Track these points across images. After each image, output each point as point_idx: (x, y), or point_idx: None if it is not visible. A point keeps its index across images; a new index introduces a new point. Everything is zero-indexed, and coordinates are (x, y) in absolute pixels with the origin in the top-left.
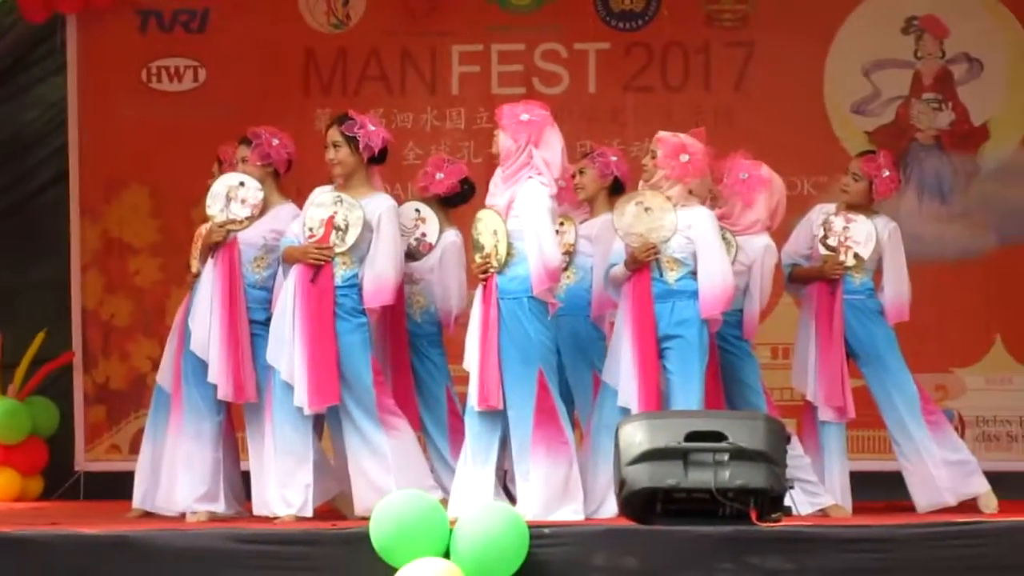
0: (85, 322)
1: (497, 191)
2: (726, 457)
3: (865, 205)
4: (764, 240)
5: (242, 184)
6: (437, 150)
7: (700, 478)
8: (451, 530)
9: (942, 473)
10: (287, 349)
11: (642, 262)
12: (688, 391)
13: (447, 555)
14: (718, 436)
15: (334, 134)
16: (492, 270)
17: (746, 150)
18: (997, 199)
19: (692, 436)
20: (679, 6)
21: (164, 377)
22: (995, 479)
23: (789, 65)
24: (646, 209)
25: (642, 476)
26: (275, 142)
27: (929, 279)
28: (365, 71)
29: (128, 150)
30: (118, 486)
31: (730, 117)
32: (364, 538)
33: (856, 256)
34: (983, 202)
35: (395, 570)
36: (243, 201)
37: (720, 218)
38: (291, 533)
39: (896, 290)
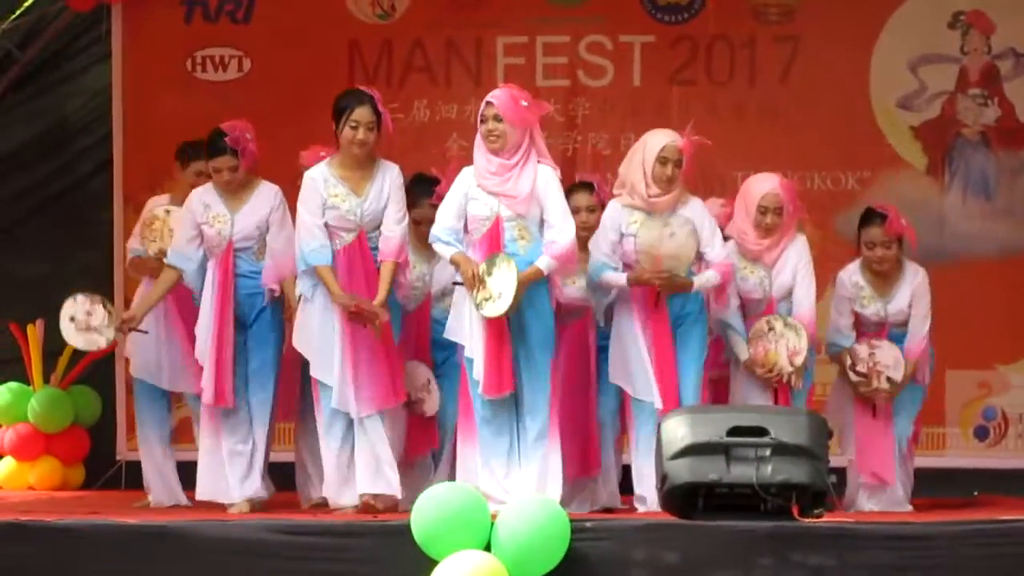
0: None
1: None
2: (768, 452)
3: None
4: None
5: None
6: None
7: (742, 473)
8: (492, 523)
9: None
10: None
11: (647, 283)
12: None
13: (488, 548)
14: (760, 431)
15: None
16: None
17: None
18: None
19: (734, 431)
20: (725, 0)
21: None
22: None
23: (835, 59)
24: (671, 234)
25: (684, 471)
26: (248, 136)
27: (973, 276)
28: (410, 62)
29: (172, 139)
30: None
31: (775, 111)
32: (405, 530)
33: (889, 380)
34: None
35: (436, 563)
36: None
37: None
38: (331, 525)
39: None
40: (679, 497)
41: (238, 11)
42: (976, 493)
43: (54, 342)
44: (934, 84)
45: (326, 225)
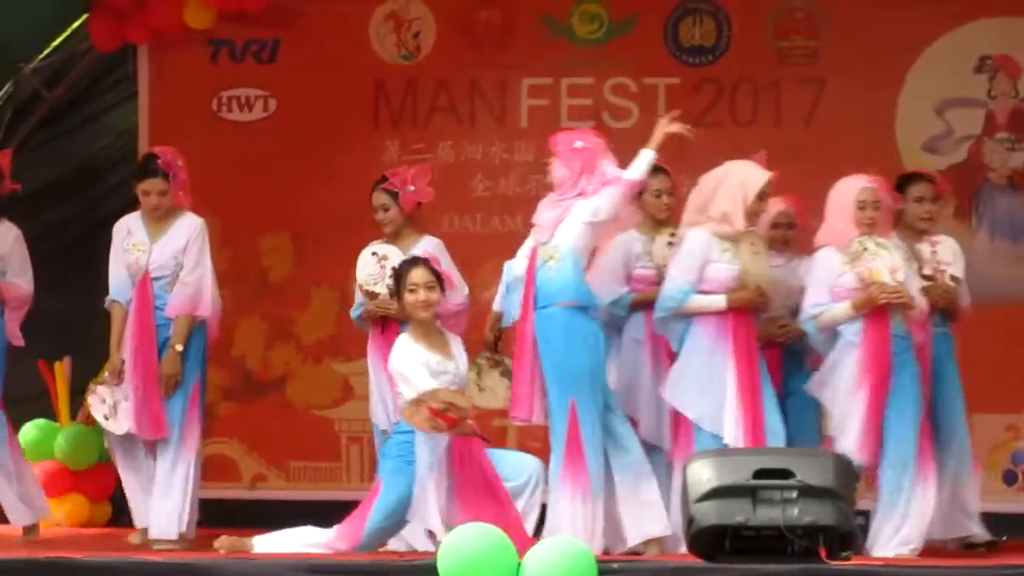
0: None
1: (545, 212)
2: (795, 494)
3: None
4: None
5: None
6: (506, 182)
7: (769, 515)
8: (519, 563)
9: None
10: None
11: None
12: None
13: None
14: (786, 473)
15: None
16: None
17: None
18: None
19: (760, 473)
20: (749, 42)
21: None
22: None
23: (860, 102)
24: (756, 253)
25: (710, 513)
26: (180, 164)
27: (1001, 319)
28: (434, 103)
29: (198, 179)
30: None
31: (800, 153)
32: (431, 570)
33: (953, 278)
34: None
35: None
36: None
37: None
38: (360, 564)
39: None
40: (706, 539)
41: (263, 51)
42: (1004, 538)
43: (81, 378)
44: (961, 128)
45: None
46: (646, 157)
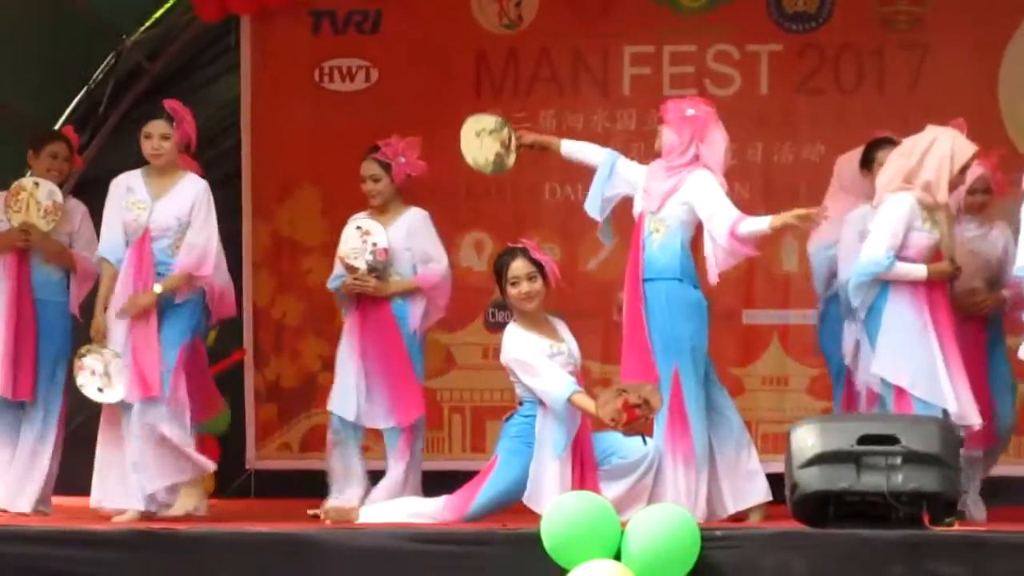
0: (256, 321)
1: (656, 181)
2: (899, 461)
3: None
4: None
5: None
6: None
7: (873, 481)
8: (623, 531)
9: None
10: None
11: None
12: None
13: (618, 556)
14: (891, 439)
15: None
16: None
17: None
18: None
19: (865, 439)
20: (853, 8)
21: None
22: None
23: (964, 67)
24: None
25: (814, 479)
26: (188, 119)
27: None
28: (537, 72)
29: (300, 150)
30: (288, 484)
31: (904, 120)
32: (535, 539)
33: None
34: None
35: (566, 571)
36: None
37: None
38: (463, 533)
39: None
40: (810, 506)
41: (365, 22)
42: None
43: None
44: None
45: None
46: (762, 225)
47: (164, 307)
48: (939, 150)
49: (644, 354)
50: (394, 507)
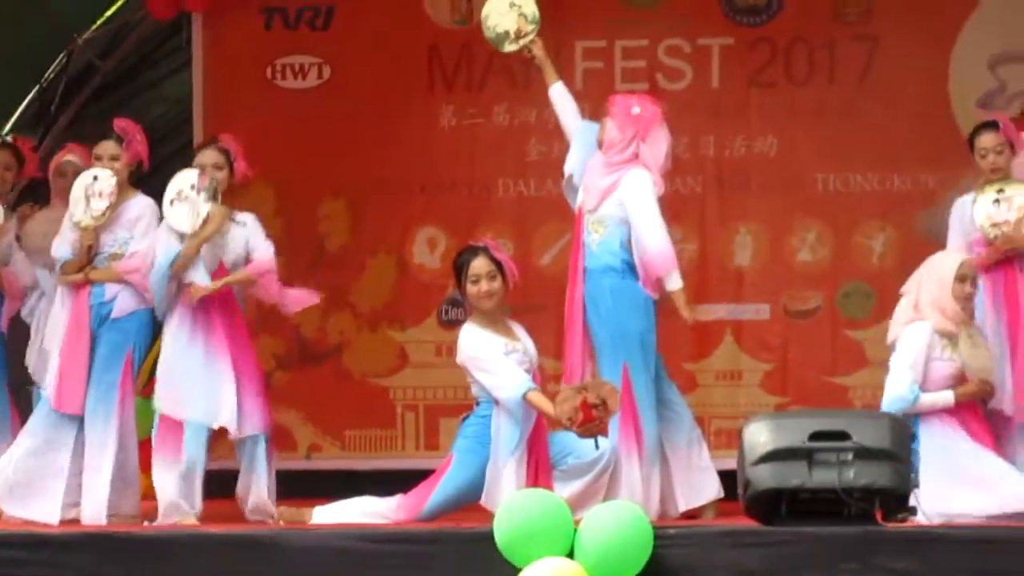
0: None
1: (595, 177)
2: (851, 456)
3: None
4: None
5: (95, 179)
6: (560, 146)
7: (825, 478)
8: (575, 529)
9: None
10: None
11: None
12: None
13: (571, 554)
14: (842, 435)
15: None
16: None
17: (869, 144)
18: None
19: (816, 436)
20: (803, 1)
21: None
22: None
23: (914, 59)
24: (977, 345)
25: (766, 476)
26: (139, 138)
27: None
28: (489, 66)
29: (253, 147)
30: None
31: (854, 112)
32: (488, 538)
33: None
34: None
35: (519, 570)
36: (100, 194)
37: None
38: (416, 532)
39: None
40: (762, 503)
41: (317, 18)
42: None
43: None
44: (1014, 83)
45: None
46: (677, 289)
47: (102, 322)
48: (931, 273)
49: (587, 349)
50: (348, 507)
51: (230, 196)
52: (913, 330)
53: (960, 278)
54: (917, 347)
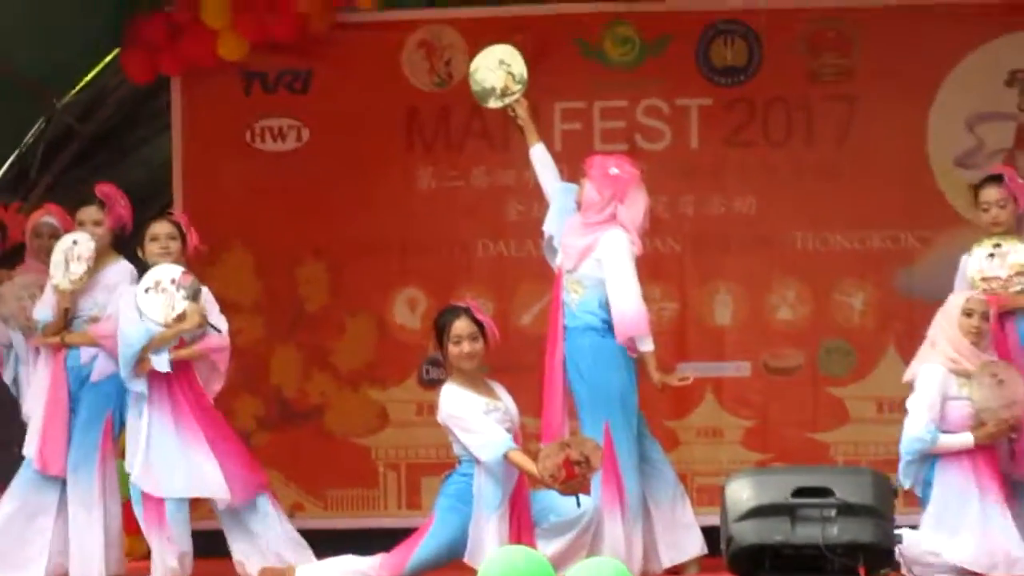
0: None
1: (573, 237)
2: (834, 513)
3: (1014, 229)
4: None
5: (75, 243)
6: (539, 207)
7: (808, 534)
8: None
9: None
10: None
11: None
12: None
13: None
14: (825, 492)
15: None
16: None
17: (849, 205)
18: None
19: (799, 492)
20: (781, 61)
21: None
22: None
23: (892, 119)
24: (1000, 381)
25: (750, 532)
26: (122, 202)
27: None
28: (468, 128)
29: (232, 210)
30: (212, 544)
31: (833, 172)
32: None
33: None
34: None
35: None
36: (79, 258)
37: None
38: None
39: None
40: (745, 559)
41: (296, 81)
42: None
43: None
44: (992, 141)
45: None
46: (647, 351)
47: (81, 384)
48: (943, 312)
49: (567, 408)
50: (331, 566)
51: (208, 260)
52: (928, 371)
53: (967, 312)
54: (933, 387)
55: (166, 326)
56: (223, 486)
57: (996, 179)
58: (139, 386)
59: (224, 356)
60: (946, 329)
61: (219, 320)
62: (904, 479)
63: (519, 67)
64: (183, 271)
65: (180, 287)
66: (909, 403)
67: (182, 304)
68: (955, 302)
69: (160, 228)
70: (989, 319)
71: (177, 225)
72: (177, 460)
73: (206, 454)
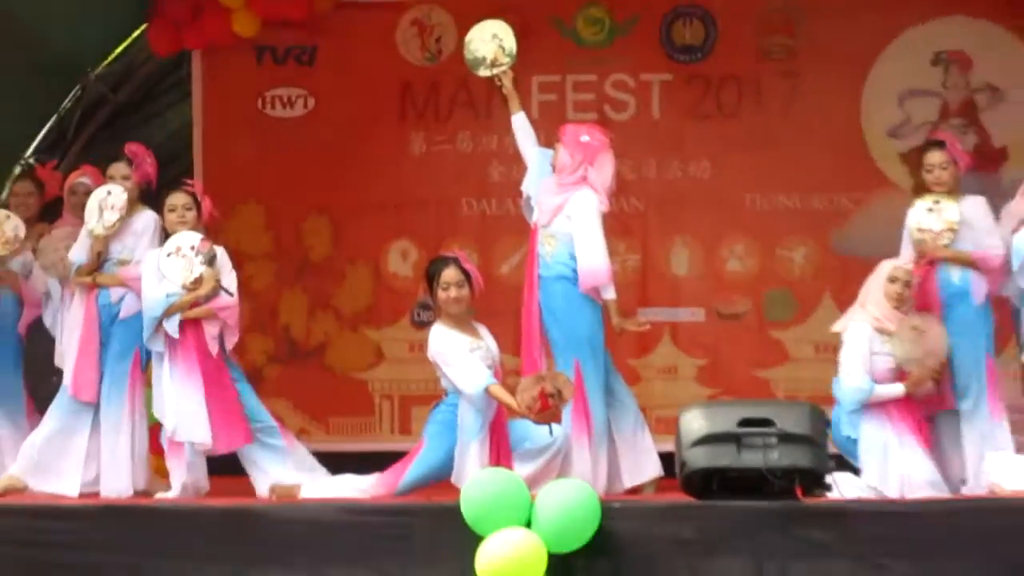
0: None
1: (548, 195)
2: (774, 441)
3: (955, 190)
4: None
5: (109, 193)
6: (519, 169)
7: (752, 459)
8: (532, 503)
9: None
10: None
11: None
12: None
13: (529, 525)
14: (767, 422)
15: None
16: None
17: (791, 171)
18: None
19: (744, 422)
20: (733, 41)
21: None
22: None
23: (830, 94)
24: (921, 333)
25: (700, 457)
26: (148, 160)
27: None
28: (455, 99)
29: (245, 171)
30: (233, 463)
31: (777, 141)
32: (456, 510)
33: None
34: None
35: (483, 538)
36: (112, 207)
37: None
38: (394, 506)
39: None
40: (696, 481)
41: (303, 55)
42: None
43: None
44: (919, 115)
45: None
46: (610, 299)
47: (113, 320)
48: (873, 276)
49: (543, 348)
50: (332, 483)
51: (221, 217)
52: (854, 328)
53: (891, 279)
54: (863, 343)
55: (184, 287)
56: (207, 434)
57: (939, 144)
58: (158, 346)
59: (232, 313)
60: (874, 292)
61: (231, 281)
62: (850, 428)
63: (510, 42)
64: (202, 238)
65: (199, 253)
66: (841, 358)
67: (199, 269)
68: (883, 269)
69: (177, 199)
70: (911, 286)
71: (193, 195)
72: (172, 405)
73: (199, 403)
